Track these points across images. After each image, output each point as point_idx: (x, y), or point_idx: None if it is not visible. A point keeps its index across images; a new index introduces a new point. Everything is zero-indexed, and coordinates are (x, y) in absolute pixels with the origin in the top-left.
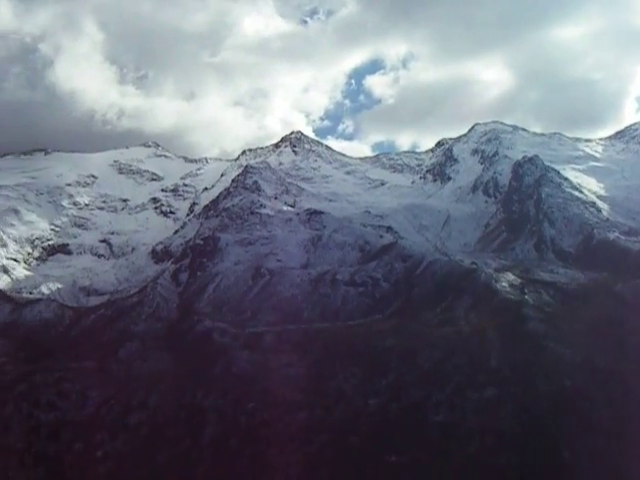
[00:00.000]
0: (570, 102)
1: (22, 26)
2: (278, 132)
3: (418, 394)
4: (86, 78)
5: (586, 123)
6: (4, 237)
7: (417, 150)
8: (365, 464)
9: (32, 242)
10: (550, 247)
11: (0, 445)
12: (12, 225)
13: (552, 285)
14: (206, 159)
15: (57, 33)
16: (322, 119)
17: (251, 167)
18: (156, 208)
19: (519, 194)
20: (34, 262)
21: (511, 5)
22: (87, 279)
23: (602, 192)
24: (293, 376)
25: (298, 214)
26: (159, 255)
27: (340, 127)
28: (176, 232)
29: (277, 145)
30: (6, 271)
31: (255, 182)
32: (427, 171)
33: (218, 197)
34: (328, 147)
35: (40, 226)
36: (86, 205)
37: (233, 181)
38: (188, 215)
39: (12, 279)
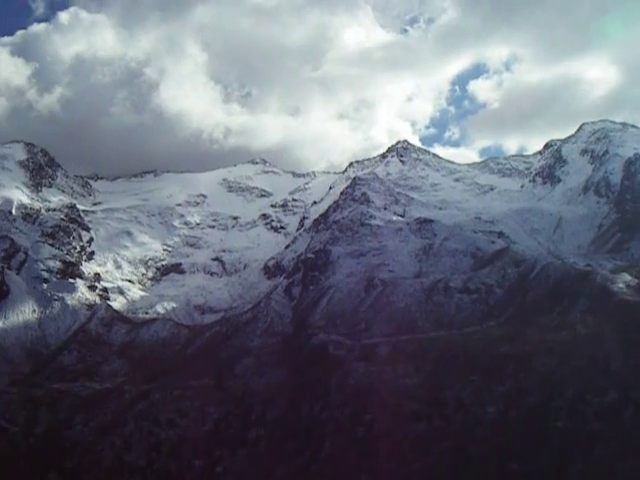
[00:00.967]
0: None
1: (127, 52)
2: (384, 142)
3: (537, 400)
4: (191, 99)
5: None
6: (118, 259)
7: (525, 153)
8: (485, 473)
9: (146, 263)
10: None
11: (122, 463)
12: (126, 247)
13: None
14: (314, 173)
15: (161, 56)
16: (427, 127)
17: (359, 179)
18: (266, 224)
19: (632, 192)
20: (148, 282)
21: (613, 1)
22: (201, 297)
23: None
24: (409, 386)
25: (408, 223)
26: (271, 270)
27: (446, 134)
28: (287, 247)
29: (384, 155)
30: (122, 292)
31: (364, 193)
32: (536, 174)
33: (327, 210)
34: (435, 155)
35: (153, 247)
36: (197, 224)
37: (342, 193)
38: (298, 229)
39: (128, 300)
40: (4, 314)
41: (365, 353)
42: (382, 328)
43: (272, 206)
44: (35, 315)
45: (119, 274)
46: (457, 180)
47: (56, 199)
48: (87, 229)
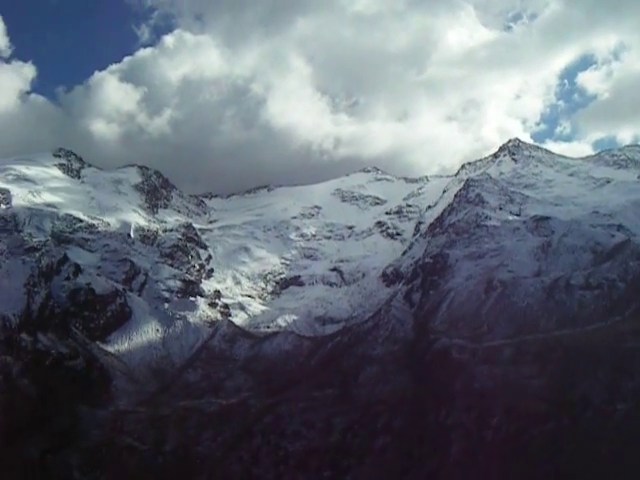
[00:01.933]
0: None
1: (232, 70)
2: (495, 142)
3: None
4: (299, 112)
5: None
6: (237, 275)
7: None
8: (616, 472)
9: (265, 277)
10: None
11: (251, 477)
12: (244, 263)
13: None
14: (426, 177)
15: (266, 72)
16: (538, 123)
17: (472, 180)
18: (382, 231)
19: None
20: (268, 297)
21: None
22: (321, 308)
23: None
24: (535, 387)
25: (525, 222)
26: (390, 278)
27: (557, 129)
28: (404, 253)
29: (496, 155)
30: (242, 308)
31: (478, 195)
32: None
33: (442, 214)
34: (548, 151)
35: (271, 261)
36: (313, 236)
37: (456, 196)
38: (414, 235)
39: (249, 315)
40: (128, 335)
41: (488, 355)
42: (504, 329)
43: (387, 213)
44: (159, 335)
45: (239, 290)
46: (571, 175)
47: (172, 219)
48: (205, 247)
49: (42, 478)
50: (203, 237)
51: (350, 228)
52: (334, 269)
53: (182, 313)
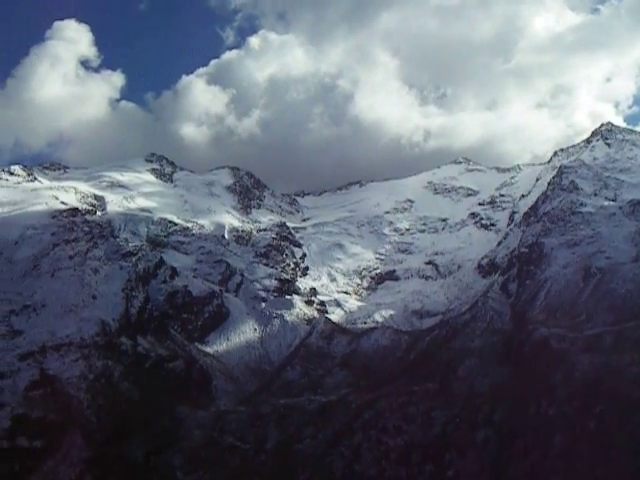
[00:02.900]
0: None
1: (318, 67)
2: (587, 127)
3: None
4: (387, 106)
5: None
6: (332, 272)
7: None
8: None
9: (360, 273)
10: None
11: (353, 473)
12: (339, 259)
13: None
14: (519, 166)
15: (352, 67)
16: (631, 106)
17: (565, 167)
18: (476, 223)
19: None
20: (364, 292)
21: None
22: (418, 302)
23: None
24: (638, 374)
25: (621, 207)
26: (485, 269)
27: None
28: (499, 244)
29: (588, 140)
30: (339, 305)
31: (572, 182)
32: None
33: (536, 202)
34: None
35: (365, 256)
36: (407, 230)
37: (549, 184)
38: (509, 225)
39: (345, 311)
40: (226, 336)
41: (589, 344)
42: (604, 317)
43: (480, 204)
44: (256, 334)
45: (334, 286)
46: None
47: (266, 219)
48: (299, 245)
49: (146, 478)
50: (297, 235)
51: (444, 220)
52: (429, 262)
53: (279, 312)
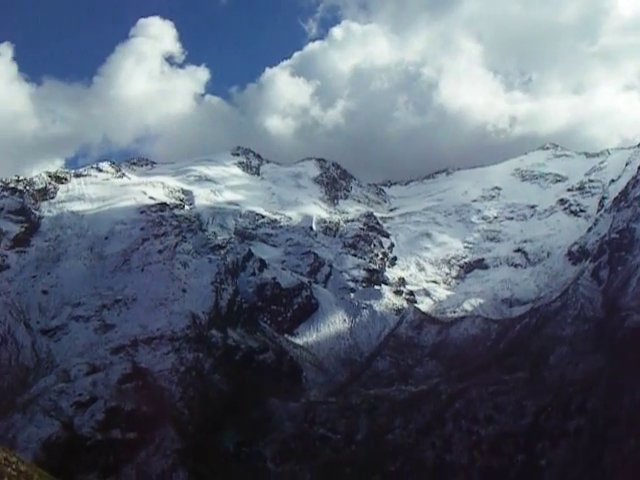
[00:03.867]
0: None
1: (402, 56)
2: None
3: None
4: (472, 93)
5: None
6: (421, 261)
7: None
8: None
9: (448, 262)
10: None
11: (444, 463)
12: (427, 249)
13: None
14: (607, 151)
15: (436, 55)
16: None
17: None
18: (565, 209)
19: None
20: (453, 281)
21: None
22: (507, 290)
23: None
24: None
25: None
26: (576, 256)
27: None
28: (589, 230)
29: None
30: (428, 294)
31: None
32: None
33: (627, 187)
34: None
35: (454, 245)
36: (495, 218)
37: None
38: (599, 211)
39: (434, 301)
40: (316, 327)
41: None
42: None
43: (569, 190)
44: (346, 325)
45: (423, 276)
46: None
47: (353, 210)
48: (387, 235)
49: (238, 470)
50: (385, 225)
51: (532, 207)
52: (518, 250)
53: (368, 302)
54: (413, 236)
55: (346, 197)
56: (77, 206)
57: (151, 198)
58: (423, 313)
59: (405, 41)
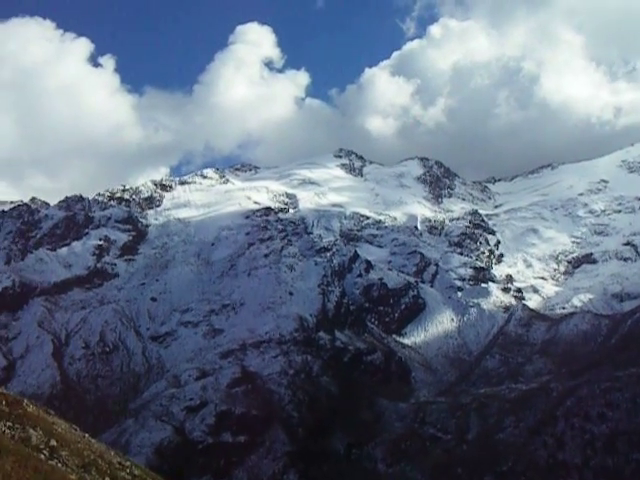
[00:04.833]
0: None
1: (502, 51)
2: None
3: None
4: (574, 85)
5: None
6: (528, 258)
7: None
8: None
9: (556, 258)
10: None
11: (556, 462)
12: (533, 245)
13: None
14: None
15: (536, 48)
16: None
17: None
18: None
19: None
20: (561, 277)
21: None
22: (617, 285)
23: None
24: None
25: None
26: None
27: None
28: None
29: None
30: (536, 291)
31: None
32: None
33: None
34: None
35: (560, 240)
36: (602, 211)
37: None
38: None
39: (543, 297)
40: (424, 326)
41: None
42: None
43: None
44: (454, 324)
45: (530, 272)
46: None
47: (458, 208)
48: (492, 233)
49: (348, 471)
50: (490, 222)
51: None
52: (627, 243)
53: (475, 300)
54: (519, 232)
55: (450, 195)
56: (183, 213)
57: (256, 203)
58: (532, 310)
59: (504, 36)
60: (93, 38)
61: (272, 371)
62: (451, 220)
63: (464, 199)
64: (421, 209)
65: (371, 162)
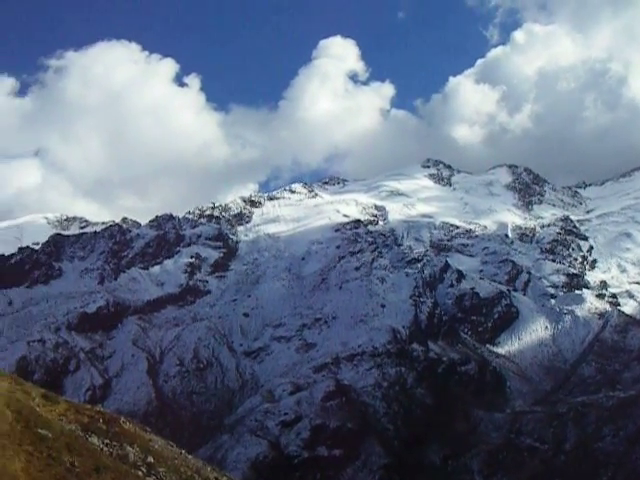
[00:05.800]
0: None
1: (587, 54)
2: None
3: None
4: None
5: None
6: (622, 263)
7: None
8: None
9: None
10: None
11: None
12: (627, 249)
13: None
14: None
15: (622, 49)
16: None
17: None
18: None
19: None
20: None
21: None
22: None
23: None
24: None
25: None
26: None
27: None
28: None
29: None
30: (631, 296)
31: None
32: None
33: None
34: None
35: None
36: None
37: None
38: None
39: (638, 303)
40: (518, 335)
41: None
42: None
43: None
44: (548, 332)
45: (625, 278)
46: None
47: (548, 214)
48: (585, 238)
49: None
50: (582, 228)
51: None
52: None
53: (569, 307)
54: (612, 237)
55: (540, 202)
56: (273, 228)
57: (345, 216)
58: (628, 316)
59: (589, 38)
60: (178, 58)
61: (366, 384)
62: (542, 227)
63: (555, 205)
64: (511, 217)
65: (459, 171)
